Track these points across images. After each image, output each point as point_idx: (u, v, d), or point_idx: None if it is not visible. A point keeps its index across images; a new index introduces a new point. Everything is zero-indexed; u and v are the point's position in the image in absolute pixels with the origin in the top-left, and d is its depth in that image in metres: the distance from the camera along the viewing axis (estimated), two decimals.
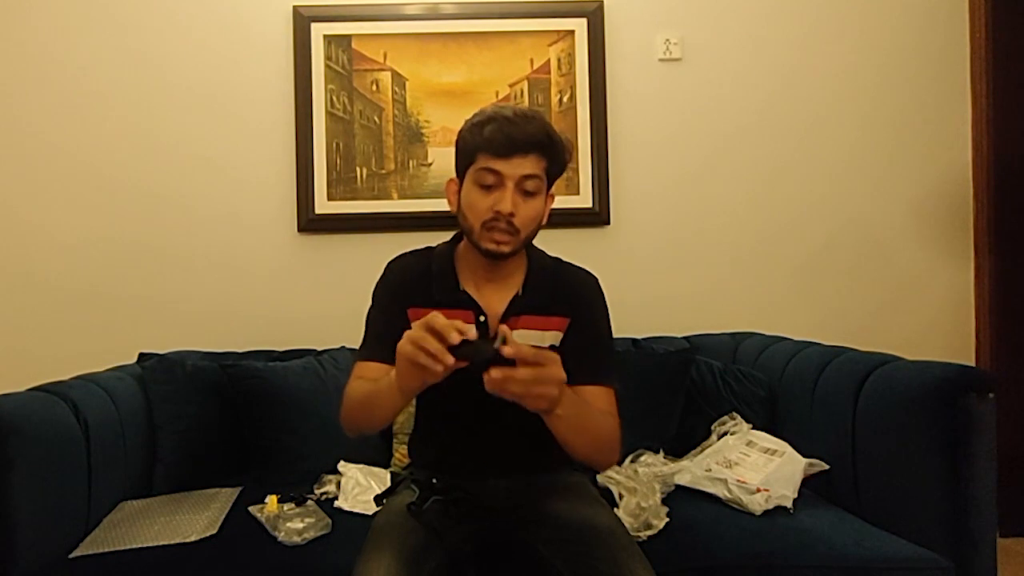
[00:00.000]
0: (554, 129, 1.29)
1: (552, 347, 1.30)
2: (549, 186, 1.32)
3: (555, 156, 1.29)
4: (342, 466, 1.86)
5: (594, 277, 1.42)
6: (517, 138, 1.24)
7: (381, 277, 1.41)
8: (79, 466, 1.60)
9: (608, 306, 1.41)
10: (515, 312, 1.32)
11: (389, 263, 1.42)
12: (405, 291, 1.35)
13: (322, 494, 1.80)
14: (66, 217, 2.45)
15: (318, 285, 2.49)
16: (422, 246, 1.44)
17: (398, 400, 1.18)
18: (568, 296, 1.36)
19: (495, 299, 1.34)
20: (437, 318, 1.06)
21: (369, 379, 1.27)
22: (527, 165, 1.25)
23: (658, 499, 1.61)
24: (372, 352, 1.32)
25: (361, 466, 1.85)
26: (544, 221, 1.33)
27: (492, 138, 1.25)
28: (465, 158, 1.31)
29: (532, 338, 1.30)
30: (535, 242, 1.39)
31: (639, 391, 2.03)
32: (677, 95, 2.56)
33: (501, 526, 1.35)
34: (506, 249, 1.27)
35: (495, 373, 1.03)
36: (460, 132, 1.33)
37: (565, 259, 1.44)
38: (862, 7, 2.59)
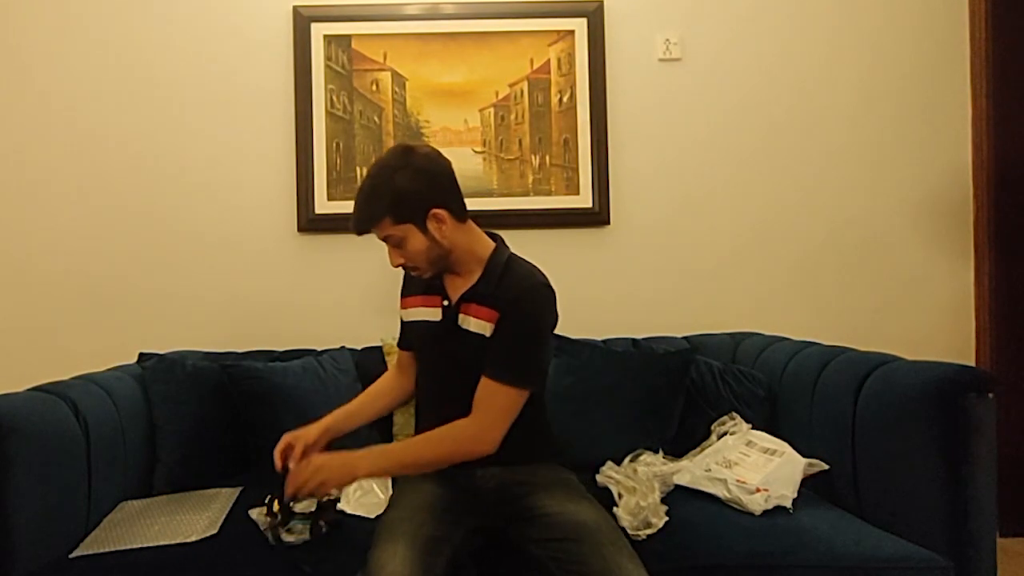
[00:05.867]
0: (380, 193, 1.41)
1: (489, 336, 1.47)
2: (418, 218, 1.43)
3: (392, 214, 1.41)
4: None
5: (536, 280, 1.48)
6: (355, 226, 1.45)
7: None
8: (79, 466, 1.60)
9: (549, 312, 1.48)
10: (466, 300, 1.50)
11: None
12: (403, 285, 1.66)
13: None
14: (66, 217, 2.45)
15: (318, 285, 2.49)
16: None
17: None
18: (503, 294, 1.47)
19: (458, 289, 1.52)
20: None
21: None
22: (377, 233, 1.46)
23: (657, 497, 1.61)
24: (399, 341, 1.72)
25: None
26: (441, 239, 1.45)
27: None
28: None
29: (475, 325, 1.47)
30: (516, 243, 1.58)
31: (639, 391, 2.03)
32: (677, 95, 2.57)
33: (495, 525, 1.41)
34: (426, 275, 1.52)
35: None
36: None
37: (528, 261, 1.54)
38: (862, 7, 2.59)
